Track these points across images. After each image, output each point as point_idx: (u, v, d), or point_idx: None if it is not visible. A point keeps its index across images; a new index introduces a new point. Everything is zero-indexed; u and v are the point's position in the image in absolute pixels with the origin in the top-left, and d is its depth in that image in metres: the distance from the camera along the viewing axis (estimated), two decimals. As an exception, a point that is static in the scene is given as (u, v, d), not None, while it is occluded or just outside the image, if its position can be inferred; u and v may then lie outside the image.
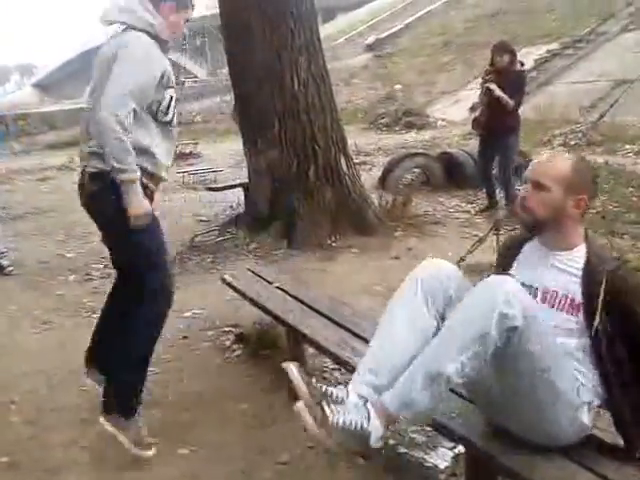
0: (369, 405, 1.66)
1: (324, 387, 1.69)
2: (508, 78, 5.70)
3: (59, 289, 4.80)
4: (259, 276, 3.56)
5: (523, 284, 1.77)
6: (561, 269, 1.79)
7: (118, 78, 2.25)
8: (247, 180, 6.17)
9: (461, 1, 24.22)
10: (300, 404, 1.64)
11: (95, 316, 4.01)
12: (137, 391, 2.44)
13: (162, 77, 2.36)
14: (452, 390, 1.86)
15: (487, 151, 6.10)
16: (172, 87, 2.47)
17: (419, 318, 1.78)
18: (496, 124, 5.79)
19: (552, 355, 1.68)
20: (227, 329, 3.70)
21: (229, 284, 3.54)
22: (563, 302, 1.76)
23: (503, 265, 1.96)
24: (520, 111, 6.00)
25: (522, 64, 6.16)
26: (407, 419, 1.69)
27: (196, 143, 13.23)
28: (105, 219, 2.45)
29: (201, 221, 6.91)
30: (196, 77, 37.67)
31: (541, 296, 1.80)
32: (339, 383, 2.76)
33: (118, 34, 2.41)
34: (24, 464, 2.46)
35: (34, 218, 7.82)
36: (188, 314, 3.97)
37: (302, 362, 3.04)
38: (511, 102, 5.67)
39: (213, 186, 7.80)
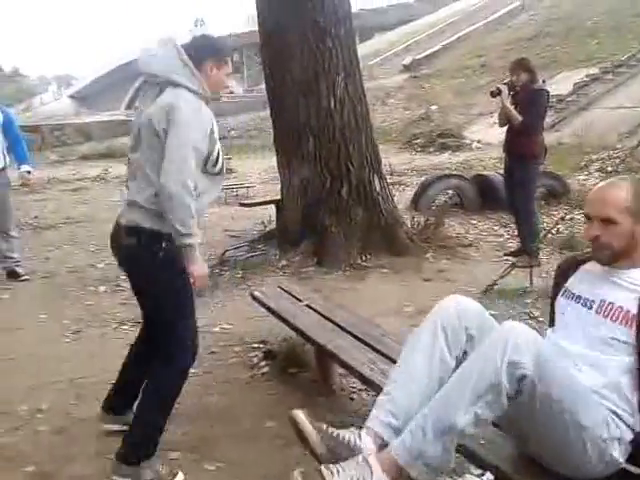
0: (372, 460, 1.64)
1: (335, 431, 1.70)
2: (525, 96, 5.28)
3: (89, 299, 4.89)
4: (289, 293, 3.59)
5: (579, 297, 1.79)
6: (621, 285, 1.79)
7: (177, 145, 2.27)
8: (279, 197, 6.23)
9: (501, 23, 24.26)
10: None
11: (124, 328, 4.15)
12: (154, 441, 2.43)
13: (212, 132, 2.41)
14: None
15: (509, 177, 5.57)
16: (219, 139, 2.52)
17: (438, 359, 1.78)
18: (513, 146, 5.38)
19: (572, 396, 1.65)
20: (255, 345, 3.72)
21: (258, 300, 3.58)
22: (618, 313, 1.76)
23: (560, 284, 1.97)
24: (542, 135, 5.44)
25: (544, 82, 5.84)
26: (417, 473, 1.65)
27: (229, 158, 13.40)
28: (139, 274, 2.49)
29: (232, 236, 6.98)
30: (232, 93, 38.25)
31: (596, 308, 1.81)
32: (366, 406, 2.77)
33: (159, 90, 2.40)
34: (50, 474, 2.49)
35: (66, 228, 7.99)
36: (217, 329, 4.02)
37: (330, 381, 3.06)
38: (519, 117, 5.18)
39: (245, 202, 7.88)
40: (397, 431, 1.71)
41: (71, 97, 59.30)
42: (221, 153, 2.48)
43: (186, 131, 2.29)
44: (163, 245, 2.34)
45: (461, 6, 29.56)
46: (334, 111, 5.58)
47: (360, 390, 3.02)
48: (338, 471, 1.61)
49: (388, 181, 6.22)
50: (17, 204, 6.94)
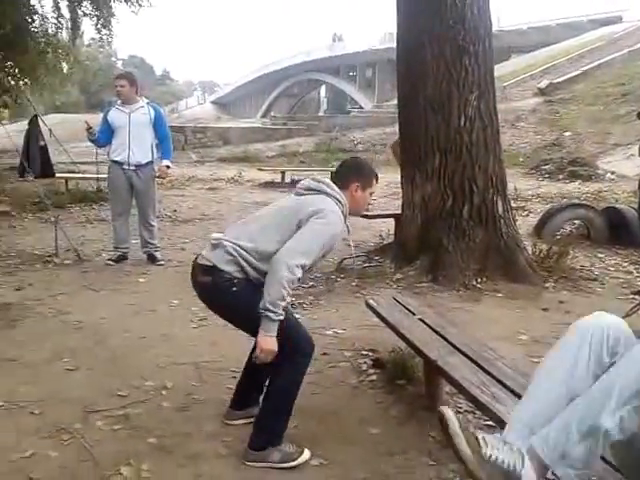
0: (524, 451, 1.63)
1: (478, 433, 1.68)
2: None
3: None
4: (403, 305, 3.59)
5: None
6: None
7: (306, 243, 2.44)
8: (399, 212, 6.23)
9: (647, 51, 22.75)
10: (455, 426, 1.65)
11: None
12: (280, 431, 2.56)
13: (336, 241, 2.60)
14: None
15: None
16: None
17: (581, 373, 1.73)
18: None
19: None
20: (365, 352, 3.75)
21: (372, 309, 3.61)
22: None
23: None
24: None
25: None
26: (561, 473, 1.62)
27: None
28: (217, 309, 2.72)
29: (350, 246, 7.05)
30: (362, 108, 38.71)
31: None
32: (475, 427, 2.71)
33: (312, 193, 2.63)
34: (168, 447, 2.64)
35: (201, 223, 8.45)
36: (330, 332, 4.09)
37: (437, 398, 3.02)
38: None
39: (366, 213, 7.94)
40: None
41: (213, 103, 62.66)
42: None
43: (319, 239, 2.46)
44: (235, 282, 2.49)
45: (604, 32, 28.04)
46: (463, 129, 5.49)
47: (467, 411, 2.96)
48: (493, 446, 1.62)
49: (512, 205, 6.03)
50: (160, 197, 7.46)
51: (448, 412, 1.74)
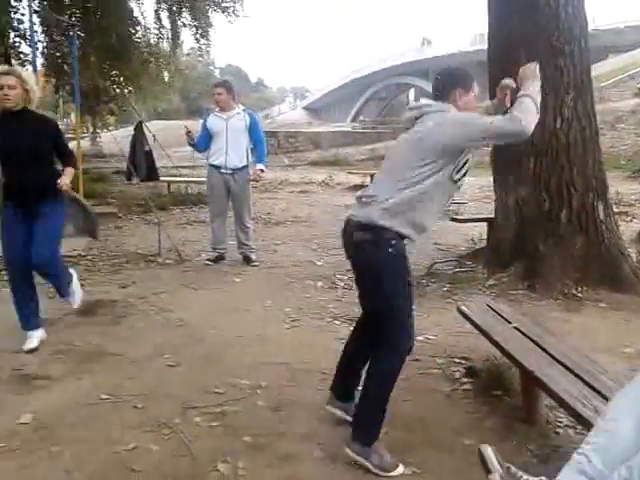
0: None
1: (522, 475, 1.59)
2: None
3: (307, 292, 5.20)
4: (497, 312, 3.46)
5: None
6: None
7: (466, 125, 2.49)
8: (492, 215, 6.03)
9: None
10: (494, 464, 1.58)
11: (337, 323, 4.33)
12: (378, 423, 2.54)
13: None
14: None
15: None
16: None
17: None
18: None
19: None
20: (457, 360, 3.65)
21: (465, 315, 3.50)
22: None
23: None
24: None
25: None
26: None
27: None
28: (365, 267, 2.60)
29: (440, 249, 6.93)
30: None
31: None
32: (572, 443, 2.57)
33: (420, 118, 2.60)
34: (263, 446, 2.67)
35: (293, 226, 8.57)
36: (421, 338, 4.00)
37: (534, 411, 2.88)
38: None
39: (457, 217, 7.76)
40: None
41: (304, 108, 63.55)
42: (467, 167, 2.57)
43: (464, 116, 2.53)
44: (393, 242, 2.46)
45: None
46: (559, 131, 5.24)
47: (567, 426, 2.80)
48: None
49: (614, 210, 5.69)
50: (254, 200, 7.62)
51: (487, 450, 1.64)
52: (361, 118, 42.15)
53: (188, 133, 6.07)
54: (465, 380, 3.36)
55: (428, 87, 52.06)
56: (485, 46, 5.95)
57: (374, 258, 2.50)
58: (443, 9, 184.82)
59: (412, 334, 2.60)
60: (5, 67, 3.72)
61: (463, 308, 3.58)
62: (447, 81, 2.69)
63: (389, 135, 22.56)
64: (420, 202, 2.49)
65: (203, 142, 6.20)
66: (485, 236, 6.26)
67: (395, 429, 2.81)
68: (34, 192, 3.72)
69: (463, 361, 3.62)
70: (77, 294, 4.20)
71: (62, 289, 4.06)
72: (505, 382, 3.15)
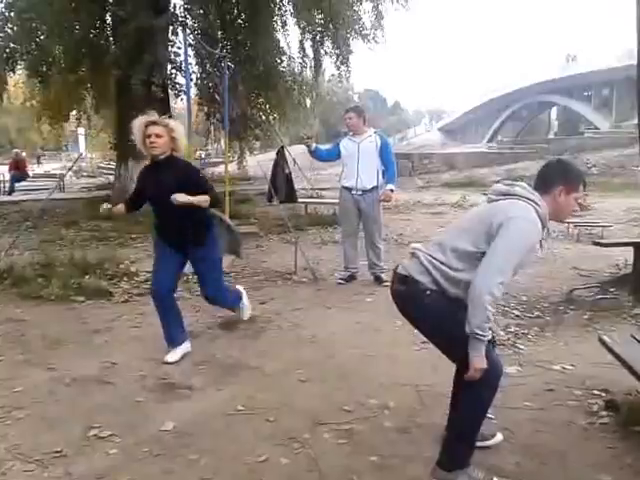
0: None
1: None
2: None
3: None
4: (642, 345, 3.18)
5: None
6: None
7: (501, 258, 2.31)
8: (640, 240, 5.57)
9: None
10: None
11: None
12: (466, 452, 2.49)
13: (534, 249, 2.42)
14: None
15: None
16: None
17: None
18: None
19: None
20: (596, 392, 3.39)
21: (607, 345, 3.25)
22: None
23: None
24: None
25: None
26: None
27: (586, 195, 12.49)
28: (409, 317, 2.64)
29: (581, 275, 6.50)
30: (597, 128, 35.72)
31: None
32: None
33: (504, 197, 2.48)
34: (390, 468, 2.65)
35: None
36: (557, 367, 3.79)
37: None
38: None
39: (601, 241, 7.24)
40: None
41: (440, 130, 62.84)
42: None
43: (513, 246, 2.33)
44: (427, 293, 2.45)
45: None
46: None
47: None
48: None
49: None
50: (387, 221, 7.65)
51: None
52: (499, 138, 40.83)
53: (307, 139, 6.16)
54: (604, 414, 3.12)
55: (573, 105, 49.45)
56: (635, 61, 5.57)
57: None
58: (588, 25, 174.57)
59: (499, 364, 2.51)
60: (153, 117, 3.85)
61: (605, 338, 3.35)
62: (555, 173, 2.51)
63: (527, 155, 21.62)
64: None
65: (325, 153, 6.35)
66: (631, 261, 5.79)
67: (526, 460, 2.68)
68: (186, 238, 3.95)
69: (602, 394, 3.36)
70: (246, 309, 4.74)
71: (234, 308, 4.67)
72: (650, 419, 2.88)
